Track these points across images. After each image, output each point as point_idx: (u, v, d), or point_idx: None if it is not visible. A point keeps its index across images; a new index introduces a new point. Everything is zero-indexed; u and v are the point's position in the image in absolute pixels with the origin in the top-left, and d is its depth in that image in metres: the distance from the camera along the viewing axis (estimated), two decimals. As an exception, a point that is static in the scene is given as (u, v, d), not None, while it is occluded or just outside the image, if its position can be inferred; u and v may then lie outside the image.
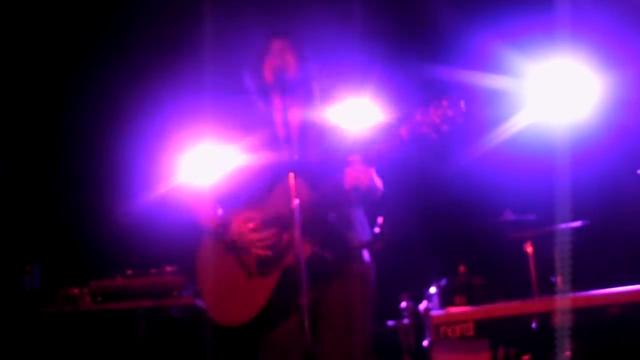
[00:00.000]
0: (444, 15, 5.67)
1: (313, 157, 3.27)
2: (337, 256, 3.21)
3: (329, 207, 3.19)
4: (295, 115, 3.41)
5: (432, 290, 5.84)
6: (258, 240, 3.18)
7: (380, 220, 5.44)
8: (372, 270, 3.37)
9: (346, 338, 3.17)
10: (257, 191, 3.33)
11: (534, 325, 4.80)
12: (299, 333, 2.86)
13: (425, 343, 5.64)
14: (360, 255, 3.35)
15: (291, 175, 3.00)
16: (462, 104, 2.97)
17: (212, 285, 3.39)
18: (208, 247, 3.42)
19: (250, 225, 3.21)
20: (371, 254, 3.41)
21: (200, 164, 3.50)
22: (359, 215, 3.40)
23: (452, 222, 6.29)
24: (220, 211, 3.41)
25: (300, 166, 3.09)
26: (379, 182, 3.29)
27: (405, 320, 5.95)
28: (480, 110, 5.75)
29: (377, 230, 5.42)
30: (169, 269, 5.12)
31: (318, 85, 3.50)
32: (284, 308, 3.19)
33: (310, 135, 3.35)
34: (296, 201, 2.95)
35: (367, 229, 3.42)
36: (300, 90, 3.44)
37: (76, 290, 5.14)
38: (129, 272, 5.16)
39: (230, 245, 3.28)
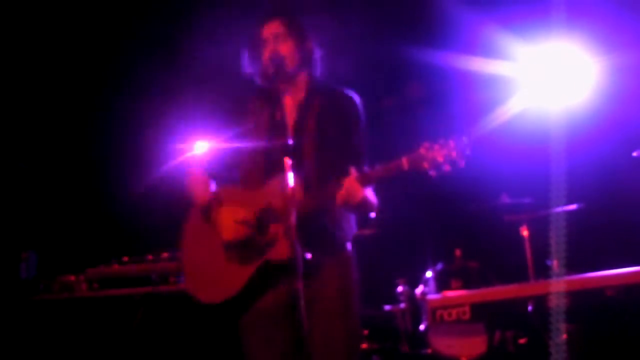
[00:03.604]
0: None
1: (310, 147, 3.27)
2: (318, 256, 3.19)
3: (323, 213, 3.21)
4: (296, 102, 3.40)
5: (429, 274, 5.85)
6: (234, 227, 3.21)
7: (376, 205, 5.47)
8: (354, 259, 3.37)
9: (333, 322, 3.16)
10: (254, 173, 3.32)
11: (530, 308, 4.81)
12: (282, 317, 2.92)
13: (422, 327, 5.66)
14: (345, 247, 3.35)
15: (286, 160, 2.97)
16: (468, 147, 2.98)
17: (192, 260, 3.38)
18: (195, 222, 3.41)
19: (239, 215, 3.22)
20: (354, 241, 3.41)
21: (197, 148, 3.49)
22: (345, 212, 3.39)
23: (448, 206, 6.29)
24: (213, 186, 3.38)
25: (295, 154, 3.08)
26: (373, 201, 3.29)
27: (402, 305, 5.95)
28: (477, 94, 5.74)
29: (372, 215, 5.46)
30: (165, 255, 5.12)
31: (321, 69, 3.48)
32: (258, 295, 3.20)
33: (310, 124, 3.34)
34: (289, 189, 2.94)
35: (353, 224, 3.42)
36: (302, 77, 3.43)
37: (72, 278, 5.13)
38: (125, 258, 5.16)
39: (212, 224, 3.30)
